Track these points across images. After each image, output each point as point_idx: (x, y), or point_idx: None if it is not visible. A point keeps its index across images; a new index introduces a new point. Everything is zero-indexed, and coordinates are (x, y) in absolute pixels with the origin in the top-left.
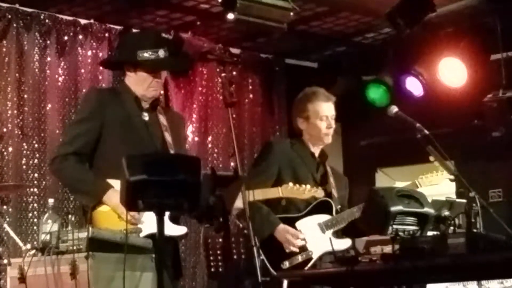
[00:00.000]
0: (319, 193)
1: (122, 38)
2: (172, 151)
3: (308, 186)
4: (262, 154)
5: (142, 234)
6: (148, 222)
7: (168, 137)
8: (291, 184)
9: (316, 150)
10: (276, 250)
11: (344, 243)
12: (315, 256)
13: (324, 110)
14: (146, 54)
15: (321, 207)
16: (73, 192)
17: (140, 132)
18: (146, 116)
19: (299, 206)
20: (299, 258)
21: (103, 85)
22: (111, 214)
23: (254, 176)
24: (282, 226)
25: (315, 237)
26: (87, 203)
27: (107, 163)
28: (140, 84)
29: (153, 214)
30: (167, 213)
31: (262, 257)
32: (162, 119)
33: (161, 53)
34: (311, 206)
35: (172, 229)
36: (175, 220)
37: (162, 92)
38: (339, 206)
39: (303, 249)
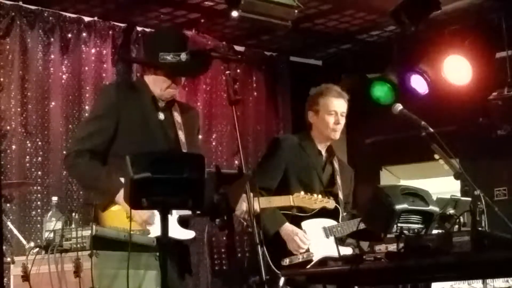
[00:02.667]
0: (331, 204)
1: (146, 37)
2: (184, 151)
3: (320, 196)
4: (269, 151)
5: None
6: (157, 224)
7: (181, 135)
8: (302, 193)
9: (323, 148)
10: (278, 247)
11: (345, 251)
12: (315, 259)
13: (334, 106)
14: (168, 57)
15: (328, 210)
16: (86, 189)
17: (154, 133)
18: (161, 116)
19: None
20: (300, 258)
21: (106, 83)
22: (120, 213)
23: (261, 173)
24: (288, 225)
25: (318, 240)
26: (100, 200)
27: (120, 161)
28: (158, 85)
29: None
30: (175, 216)
31: (265, 252)
32: (177, 116)
33: (183, 56)
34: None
35: (180, 233)
36: (183, 224)
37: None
38: (345, 213)
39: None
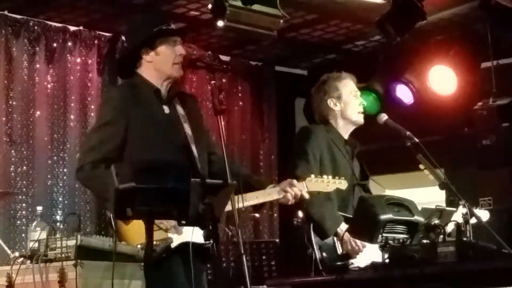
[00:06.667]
0: (343, 184)
1: (128, 25)
2: (192, 145)
3: (330, 177)
4: (301, 140)
5: (173, 244)
6: (183, 233)
7: (187, 129)
8: (313, 176)
9: (346, 137)
10: (327, 249)
11: None
12: (362, 265)
13: (353, 86)
14: (162, 27)
15: None
16: (106, 201)
17: (163, 129)
18: (166, 109)
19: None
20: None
21: (92, 92)
22: (139, 224)
23: (298, 162)
24: (344, 224)
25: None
26: None
27: (132, 167)
28: (164, 63)
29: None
30: None
31: (316, 253)
32: (180, 109)
33: (172, 26)
34: None
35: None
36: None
37: None
38: None
39: (350, 256)
